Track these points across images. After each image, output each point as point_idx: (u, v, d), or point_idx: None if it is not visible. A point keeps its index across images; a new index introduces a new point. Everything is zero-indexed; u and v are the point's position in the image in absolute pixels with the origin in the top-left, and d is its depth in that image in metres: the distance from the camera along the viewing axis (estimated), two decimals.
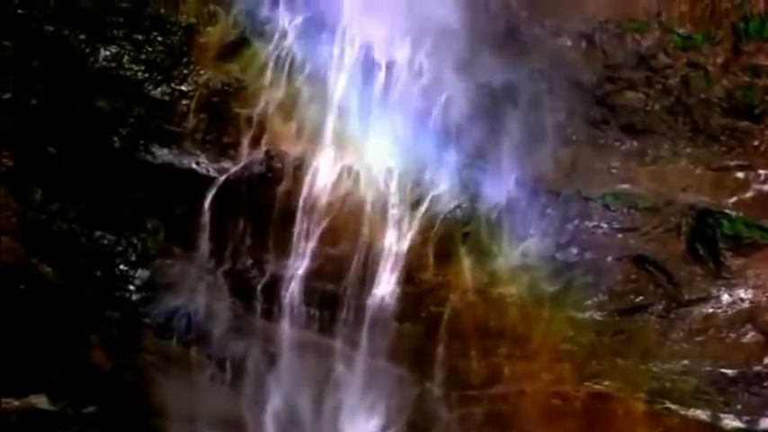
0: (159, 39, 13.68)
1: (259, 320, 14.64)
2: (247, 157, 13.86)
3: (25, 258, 15.24)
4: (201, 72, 13.79)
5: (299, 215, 13.95)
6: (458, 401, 14.17)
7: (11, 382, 15.40)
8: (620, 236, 13.65)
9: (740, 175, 13.08)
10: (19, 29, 13.70)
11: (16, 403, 15.40)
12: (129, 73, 13.88)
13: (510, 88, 13.06)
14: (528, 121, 13.19)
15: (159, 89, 13.91)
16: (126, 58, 13.81)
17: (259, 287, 14.43)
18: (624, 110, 12.95)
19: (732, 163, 13.03)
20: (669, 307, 13.73)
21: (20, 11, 13.57)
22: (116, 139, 14.21)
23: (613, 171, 13.32)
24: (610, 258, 13.74)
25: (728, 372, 13.74)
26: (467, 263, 13.96)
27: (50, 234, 15.02)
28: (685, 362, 13.79)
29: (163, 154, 14.17)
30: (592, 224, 13.68)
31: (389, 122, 13.60)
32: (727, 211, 13.20)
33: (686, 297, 13.66)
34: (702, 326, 13.68)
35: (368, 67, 13.43)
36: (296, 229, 14.01)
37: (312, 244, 14.06)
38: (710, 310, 13.65)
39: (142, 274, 14.97)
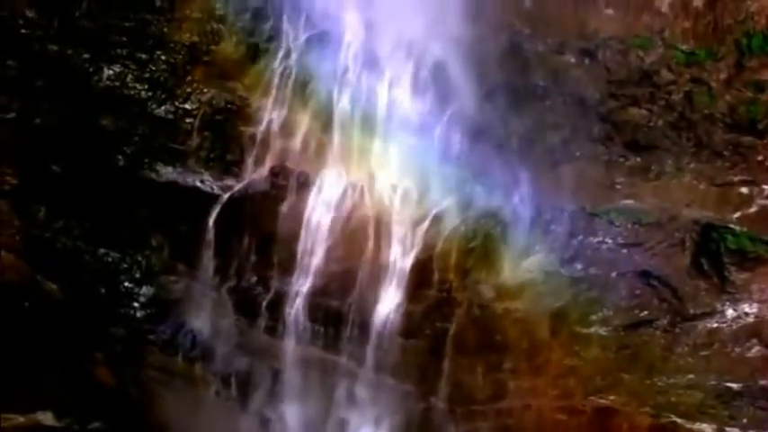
0: (163, 58, 13.69)
1: (264, 337, 14.66)
2: (251, 174, 13.88)
3: (30, 276, 15.27)
4: (205, 90, 13.81)
5: (303, 232, 13.97)
6: (463, 417, 14.16)
7: (16, 399, 15.42)
8: (624, 251, 13.65)
9: (744, 190, 13.08)
10: (22, 48, 13.73)
11: (21, 419, 15.42)
12: (132, 92, 13.89)
13: (513, 105, 13.05)
14: (531, 137, 13.19)
15: (163, 108, 13.93)
16: (129, 77, 13.83)
17: (264, 304, 14.44)
18: (628, 126, 12.95)
19: (736, 178, 13.03)
20: (674, 322, 13.72)
21: (23, 31, 13.59)
22: (120, 157, 14.23)
23: (617, 187, 13.32)
24: (614, 274, 13.74)
25: (734, 386, 13.74)
26: (471, 279, 13.98)
27: (55, 251, 15.05)
28: (690, 376, 13.79)
29: (167, 172, 14.19)
30: (596, 240, 13.69)
31: (393, 139, 13.60)
32: (732, 226, 13.20)
33: (691, 312, 13.66)
34: (707, 340, 13.68)
35: (371, 84, 13.42)
36: (300, 246, 14.03)
37: (316, 261, 14.07)
38: (715, 325, 13.65)
39: (147, 291, 15.00)
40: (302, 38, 13.32)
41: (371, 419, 14.25)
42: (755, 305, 13.47)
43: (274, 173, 13.86)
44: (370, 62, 13.34)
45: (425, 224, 13.73)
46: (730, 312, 13.54)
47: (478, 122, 13.08)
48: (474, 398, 14.16)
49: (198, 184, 14.09)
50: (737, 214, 13.12)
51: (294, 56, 13.37)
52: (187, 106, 13.85)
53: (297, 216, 13.93)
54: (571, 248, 13.73)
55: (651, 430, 13.77)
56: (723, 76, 12.43)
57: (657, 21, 12.38)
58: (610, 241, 13.64)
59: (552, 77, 12.88)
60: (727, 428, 13.55)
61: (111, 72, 13.80)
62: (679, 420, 13.68)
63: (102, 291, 15.08)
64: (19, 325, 15.52)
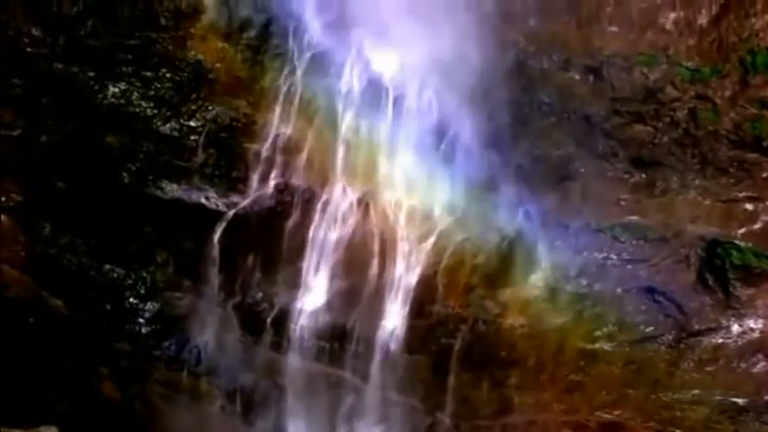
0: (168, 75, 13.70)
1: (269, 353, 14.67)
2: (256, 191, 13.89)
3: (35, 291, 15.29)
4: (210, 108, 13.82)
5: (308, 248, 13.98)
6: None
7: (21, 413, 15.43)
8: (629, 267, 13.67)
9: (749, 206, 13.10)
10: (28, 66, 13.75)
11: None
12: (137, 109, 13.91)
13: (518, 121, 13.06)
14: (536, 153, 13.21)
15: (168, 125, 13.95)
16: (135, 94, 13.85)
17: (269, 320, 14.47)
18: (632, 143, 12.97)
19: (741, 194, 13.04)
20: (679, 337, 13.75)
21: (29, 49, 13.60)
22: (125, 174, 14.25)
23: (622, 203, 13.33)
24: (619, 289, 13.77)
25: (739, 401, 13.77)
26: (477, 294, 13.99)
27: (60, 267, 15.07)
28: (696, 391, 13.82)
29: (172, 189, 14.20)
30: (601, 256, 13.72)
31: (398, 156, 13.61)
32: (737, 242, 13.22)
33: (696, 327, 13.69)
34: (712, 356, 13.70)
35: (377, 100, 13.44)
36: (305, 263, 14.04)
37: (322, 277, 14.09)
38: (720, 340, 13.67)
39: (152, 306, 15.02)
40: (307, 56, 13.30)
41: None
42: (760, 320, 13.50)
43: (279, 189, 13.87)
44: (375, 80, 13.32)
45: (430, 240, 13.75)
46: (735, 328, 13.56)
47: (483, 139, 13.08)
48: (479, 413, 14.19)
49: (203, 200, 14.10)
50: (742, 230, 13.12)
51: (299, 73, 13.39)
52: (192, 123, 13.85)
53: (302, 232, 13.95)
54: (576, 264, 13.75)
55: None
56: (728, 93, 12.43)
57: (662, 38, 12.38)
58: (615, 257, 13.66)
59: (557, 94, 12.88)
60: None
61: (116, 90, 13.81)
62: None
63: (108, 307, 15.10)
64: (24, 340, 15.54)
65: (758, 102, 12.44)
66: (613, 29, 12.48)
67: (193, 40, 13.46)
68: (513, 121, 13.04)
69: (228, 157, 13.95)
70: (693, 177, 13.03)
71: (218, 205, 14.10)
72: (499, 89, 12.91)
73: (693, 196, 13.13)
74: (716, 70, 12.38)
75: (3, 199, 14.81)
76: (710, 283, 13.51)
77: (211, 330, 14.83)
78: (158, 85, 13.77)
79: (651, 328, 13.81)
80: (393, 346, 14.06)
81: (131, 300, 15.03)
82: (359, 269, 13.96)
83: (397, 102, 13.38)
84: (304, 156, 13.74)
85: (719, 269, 13.39)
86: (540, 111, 13.04)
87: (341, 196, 13.80)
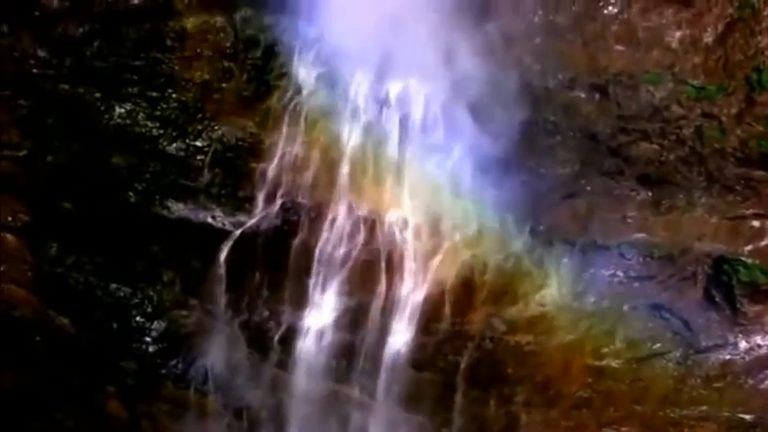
0: (173, 96, 13.72)
1: (276, 370, 14.70)
2: (263, 210, 13.90)
3: (42, 311, 15.34)
4: (216, 127, 13.84)
5: (314, 266, 14.00)
6: None
7: None
8: (636, 284, 13.68)
9: (756, 223, 13.09)
10: (34, 88, 13.79)
11: None
12: (143, 129, 13.93)
13: (524, 140, 13.07)
14: (542, 171, 13.21)
15: (174, 145, 13.96)
16: (141, 114, 13.86)
17: (276, 338, 14.50)
18: (639, 161, 12.95)
19: (748, 212, 13.03)
20: (686, 354, 13.76)
21: (35, 70, 13.64)
22: (132, 194, 14.28)
23: (629, 221, 13.33)
24: (626, 307, 13.78)
25: (747, 417, 13.79)
26: (484, 312, 14.01)
27: (67, 287, 15.12)
28: (704, 408, 13.83)
29: (178, 208, 14.23)
30: (608, 273, 13.72)
31: (405, 173, 13.63)
32: (744, 259, 13.21)
33: (703, 344, 13.69)
34: (720, 372, 13.71)
35: (383, 119, 13.46)
36: (312, 281, 14.06)
37: (329, 295, 14.11)
38: (728, 357, 13.68)
39: (158, 325, 15.06)
40: (313, 75, 13.33)
41: None
42: None
43: (286, 208, 13.89)
44: (381, 98, 13.33)
45: (437, 258, 13.75)
46: (743, 344, 13.57)
47: (489, 158, 13.08)
48: (487, 430, 14.19)
49: (209, 220, 14.13)
50: (749, 247, 13.12)
51: (305, 93, 13.39)
52: (198, 143, 13.88)
53: (308, 251, 13.96)
54: (583, 282, 13.76)
55: None
56: (734, 110, 12.42)
57: (667, 56, 12.36)
58: (621, 274, 13.68)
59: (563, 113, 12.87)
60: None
61: (122, 110, 13.84)
62: None
63: (114, 325, 15.15)
64: (31, 359, 15.58)
65: (764, 119, 12.43)
66: (619, 47, 12.46)
67: (199, 60, 13.45)
68: (519, 139, 13.02)
69: (235, 176, 13.97)
70: (700, 195, 13.01)
71: (224, 224, 14.13)
72: (504, 108, 12.89)
73: (700, 214, 13.12)
74: (722, 88, 12.37)
75: (9, 219, 14.86)
76: (718, 299, 13.51)
77: (218, 349, 14.86)
78: (164, 106, 13.79)
79: (658, 344, 13.82)
80: (400, 363, 14.08)
81: (138, 318, 15.07)
82: (366, 287, 13.98)
83: (403, 120, 13.37)
84: (310, 174, 13.75)
85: (726, 286, 13.39)
86: (546, 129, 13.02)
87: (347, 214, 13.80)
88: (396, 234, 13.83)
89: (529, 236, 13.64)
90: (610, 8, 12.38)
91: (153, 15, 13.32)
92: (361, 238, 13.87)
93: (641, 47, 12.43)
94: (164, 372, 15.20)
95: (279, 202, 13.87)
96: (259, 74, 13.51)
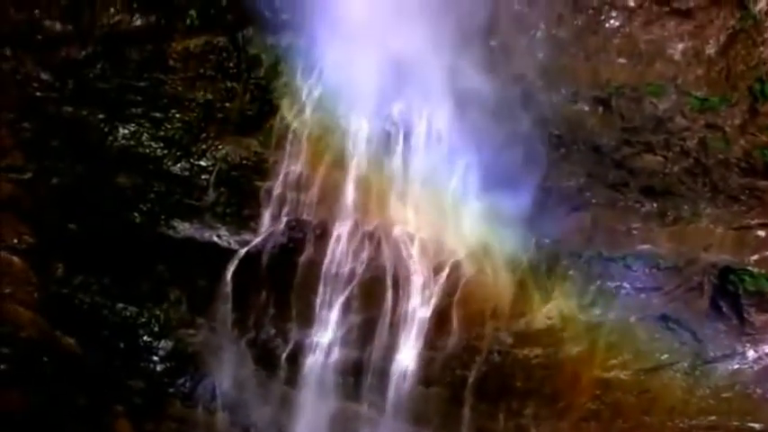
0: (177, 116, 13.73)
1: (284, 388, 14.71)
2: (268, 228, 13.91)
3: (48, 331, 15.35)
4: (220, 147, 13.86)
5: (321, 283, 14.01)
6: None
7: None
8: (642, 296, 13.71)
9: (761, 233, 13.12)
10: (38, 111, 13.80)
11: None
12: (147, 150, 13.94)
13: (528, 154, 13.08)
14: (547, 185, 13.23)
15: (178, 165, 13.98)
16: (145, 135, 13.88)
17: (283, 356, 14.51)
18: (643, 172, 12.98)
19: (753, 222, 13.06)
20: (694, 364, 13.81)
21: (38, 93, 13.65)
22: (137, 214, 14.30)
23: (634, 232, 13.35)
24: (633, 318, 13.79)
25: (756, 426, 13.84)
26: (491, 326, 14.02)
27: (73, 308, 15.14)
28: (712, 418, 13.86)
29: (184, 228, 14.24)
30: (614, 284, 13.76)
31: (409, 189, 13.64)
32: (750, 268, 13.23)
33: (711, 354, 13.73)
34: (728, 382, 13.75)
35: (386, 136, 13.47)
36: (319, 298, 14.07)
37: (335, 312, 14.12)
38: (736, 366, 13.71)
39: (165, 344, 15.08)
40: (316, 93, 13.34)
41: None
42: None
43: (291, 226, 13.90)
44: (384, 115, 13.35)
45: (444, 273, 13.76)
46: (751, 353, 13.60)
47: (494, 173, 13.09)
48: None
49: (215, 239, 14.15)
50: (755, 257, 13.15)
51: (308, 111, 13.39)
52: (202, 163, 13.90)
53: (314, 268, 13.97)
54: (589, 294, 13.78)
55: None
56: (737, 121, 12.45)
57: (670, 68, 12.40)
58: (628, 286, 13.70)
59: (567, 126, 12.89)
60: None
61: (126, 131, 13.86)
62: None
63: (121, 345, 15.16)
64: (38, 380, 15.57)
65: (767, 129, 12.46)
66: (621, 60, 12.49)
67: (202, 80, 13.47)
68: (523, 153, 13.04)
69: (240, 195, 13.98)
70: (705, 206, 13.04)
71: (230, 243, 14.14)
72: (508, 123, 12.92)
73: (705, 224, 13.14)
74: (725, 99, 12.39)
75: (15, 241, 14.88)
76: (724, 309, 13.54)
77: (226, 367, 14.86)
78: (168, 126, 13.81)
79: (666, 355, 13.85)
80: (408, 378, 14.09)
81: (145, 338, 15.09)
82: (372, 303, 13.99)
83: (407, 136, 13.39)
84: (315, 192, 13.76)
85: (733, 296, 13.41)
86: (550, 143, 13.04)
87: (353, 231, 13.81)
88: (401, 250, 13.83)
89: (535, 249, 13.63)
90: (611, 22, 12.39)
91: (155, 36, 13.33)
92: (366, 254, 13.87)
93: (643, 59, 12.47)
94: (171, 390, 15.21)
95: (284, 220, 13.88)
96: (262, 93, 13.52)
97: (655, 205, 13.20)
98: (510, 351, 14.02)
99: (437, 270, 13.77)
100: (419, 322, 13.88)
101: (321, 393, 14.43)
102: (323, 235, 13.89)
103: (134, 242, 14.41)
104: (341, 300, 14.00)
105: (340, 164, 13.58)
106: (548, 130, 12.96)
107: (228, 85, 13.53)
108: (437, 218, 13.68)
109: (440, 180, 13.53)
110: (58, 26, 13.29)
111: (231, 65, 13.44)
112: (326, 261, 13.88)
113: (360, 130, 13.41)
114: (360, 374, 14.27)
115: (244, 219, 14.02)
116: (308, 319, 14.16)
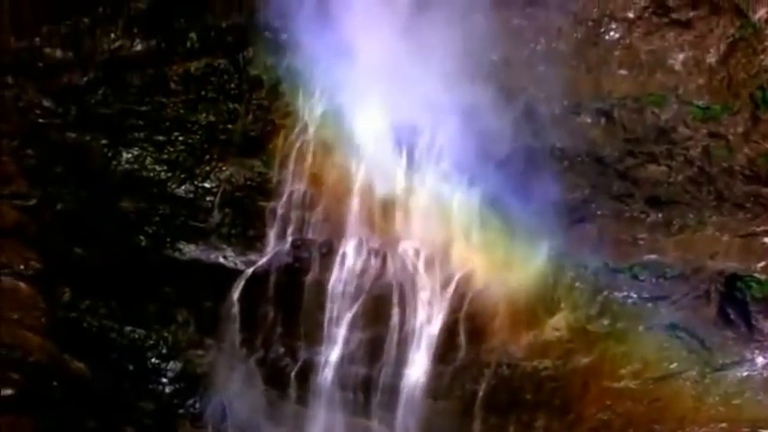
0: (180, 138, 13.78)
1: (294, 406, 14.70)
2: (274, 248, 13.93)
3: (57, 356, 15.34)
4: (224, 168, 13.90)
5: (328, 301, 14.02)
6: None
7: None
8: (650, 305, 13.69)
9: (767, 240, 13.10)
10: (41, 138, 13.84)
11: None
12: (151, 173, 13.99)
13: (532, 166, 13.10)
14: (552, 197, 13.23)
15: (183, 187, 14.02)
16: (148, 159, 13.93)
17: (292, 374, 14.50)
18: (647, 183, 13.00)
19: (758, 229, 13.07)
20: (704, 372, 13.77)
21: (41, 120, 13.69)
22: (142, 237, 14.33)
23: (640, 242, 13.37)
24: (641, 327, 13.78)
25: None
26: (499, 339, 14.01)
27: (81, 331, 15.14)
28: (723, 425, 13.82)
29: (190, 250, 14.27)
30: (621, 295, 13.74)
31: (414, 204, 13.66)
32: (756, 275, 13.21)
33: (720, 361, 13.70)
34: (738, 389, 13.71)
35: (390, 151, 13.50)
36: (326, 316, 14.08)
37: (343, 329, 14.13)
38: (746, 373, 13.68)
39: (174, 366, 15.07)
40: (318, 112, 13.37)
41: None
42: None
43: (296, 245, 13.92)
44: (387, 131, 13.37)
45: (451, 287, 13.76)
46: (760, 360, 13.58)
47: (498, 186, 13.12)
48: None
49: (221, 260, 14.17)
50: (762, 263, 13.16)
51: (311, 130, 13.43)
52: (207, 185, 13.94)
53: (321, 286, 13.99)
54: (597, 304, 13.77)
55: None
56: (740, 129, 12.48)
57: (671, 78, 12.45)
58: (635, 296, 13.69)
59: (570, 138, 12.91)
60: None
61: (129, 155, 13.90)
62: None
63: (130, 367, 15.15)
64: (48, 404, 15.57)
65: None
66: (622, 72, 12.55)
67: (204, 102, 13.50)
68: (527, 166, 13.06)
69: (244, 215, 14.01)
70: (710, 214, 13.05)
71: (236, 264, 14.16)
72: (511, 136, 12.94)
73: (711, 232, 13.15)
74: (727, 107, 12.42)
75: (21, 267, 14.89)
76: (732, 316, 13.53)
77: (235, 386, 14.86)
78: (171, 149, 13.85)
79: (675, 364, 13.82)
80: (418, 393, 14.09)
81: (153, 360, 15.08)
82: (380, 319, 14.00)
83: (410, 151, 13.41)
84: (320, 211, 13.79)
85: (741, 303, 13.40)
86: (553, 155, 13.06)
87: (358, 248, 13.83)
88: (408, 265, 13.84)
89: (541, 262, 13.62)
90: (612, 33, 12.43)
91: (156, 60, 13.40)
92: (373, 270, 13.89)
93: (644, 70, 12.52)
94: (181, 411, 15.20)
95: (289, 239, 13.92)
96: (264, 114, 13.57)
97: (660, 215, 13.21)
98: (519, 364, 14.00)
99: (444, 285, 13.78)
100: (427, 337, 13.89)
101: (331, 410, 14.41)
102: (329, 253, 13.92)
103: (140, 265, 14.43)
104: (348, 317, 13.99)
105: (344, 182, 13.59)
106: (550, 142, 12.96)
107: (230, 106, 13.57)
108: (442, 233, 13.67)
109: (444, 195, 13.54)
110: (58, 53, 13.35)
111: (232, 86, 13.48)
112: (333, 279, 13.91)
113: (363, 146, 13.43)
114: (369, 390, 14.27)
115: (249, 239, 14.04)
116: (316, 337, 14.17)
